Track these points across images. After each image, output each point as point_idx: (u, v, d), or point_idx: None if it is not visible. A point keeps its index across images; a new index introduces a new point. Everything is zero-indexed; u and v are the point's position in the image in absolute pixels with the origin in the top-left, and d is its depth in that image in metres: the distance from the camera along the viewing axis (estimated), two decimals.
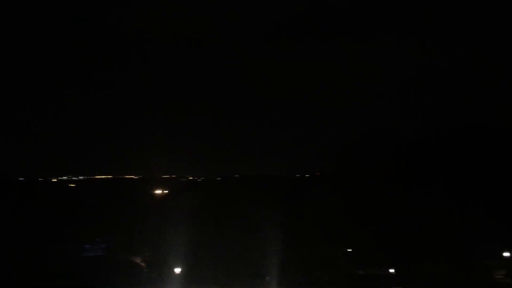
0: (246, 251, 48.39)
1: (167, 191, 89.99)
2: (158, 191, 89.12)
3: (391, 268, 45.87)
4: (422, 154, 60.16)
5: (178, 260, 43.95)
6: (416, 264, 47.31)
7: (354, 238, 54.31)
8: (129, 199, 78.82)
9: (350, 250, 53.84)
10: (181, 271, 42.26)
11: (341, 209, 57.79)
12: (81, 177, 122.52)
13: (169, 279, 42.10)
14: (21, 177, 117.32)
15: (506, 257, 47.65)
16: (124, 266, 47.21)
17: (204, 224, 59.06)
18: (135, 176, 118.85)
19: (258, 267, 43.97)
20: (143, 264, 48.43)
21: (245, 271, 43.26)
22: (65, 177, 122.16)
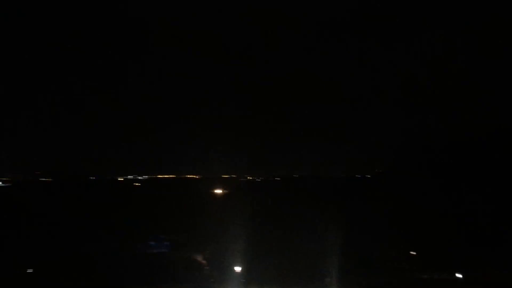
0: (306, 252, 48.08)
1: (227, 191, 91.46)
2: (219, 191, 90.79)
3: (458, 272, 43.64)
4: (491, 153, 57.22)
5: (238, 259, 44.33)
6: (485, 269, 44.85)
7: (418, 240, 52.51)
8: (191, 198, 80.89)
9: (414, 253, 52.00)
10: (241, 270, 42.60)
11: (404, 210, 56.13)
12: (145, 177, 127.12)
13: (229, 277, 42.47)
14: (92, 176, 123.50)
15: None
16: (186, 263, 48.22)
17: (264, 223, 59.39)
18: (196, 176, 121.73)
19: (318, 268, 43.52)
20: (204, 261, 49.26)
21: (305, 272, 42.95)
22: (131, 177, 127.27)
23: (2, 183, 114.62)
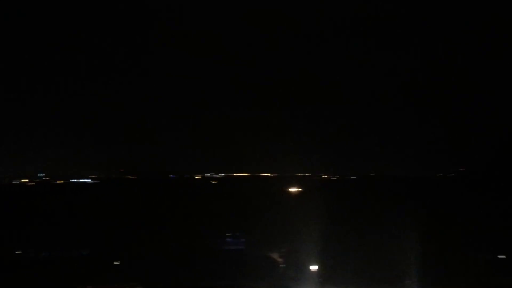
0: (385, 253, 46.63)
1: (301, 189, 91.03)
2: (293, 189, 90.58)
3: None
4: None
5: (314, 258, 44.01)
6: None
7: (507, 244, 49.17)
8: (266, 196, 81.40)
9: (504, 256, 48.71)
10: (318, 270, 42.27)
11: (491, 210, 52.82)
12: (221, 174, 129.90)
13: (305, 276, 42.27)
14: (172, 174, 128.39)
15: None
16: (262, 261, 48.62)
17: (340, 223, 58.45)
18: (271, 174, 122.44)
19: (397, 270, 42.02)
20: (280, 259, 49.42)
21: (383, 274, 41.61)
22: (208, 174, 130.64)
23: (91, 180, 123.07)
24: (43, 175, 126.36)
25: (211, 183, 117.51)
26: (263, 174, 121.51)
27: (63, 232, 58.55)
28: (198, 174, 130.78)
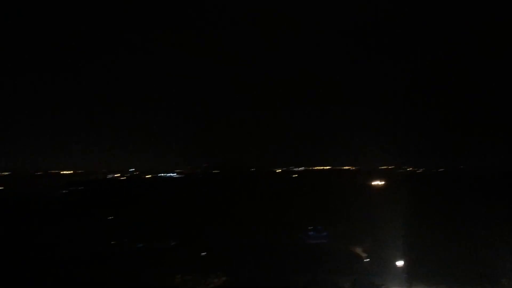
0: (474, 250, 43.95)
1: (384, 182, 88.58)
2: (376, 182, 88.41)
3: None
4: None
5: (400, 253, 42.62)
6: None
7: None
8: (348, 189, 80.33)
9: None
10: (403, 265, 40.86)
11: None
12: (301, 168, 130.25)
13: (390, 271, 41.09)
14: (252, 168, 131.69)
15: None
16: (344, 255, 48.01)
17: (427, 217, 56.20)
18: (352, 167, 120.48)
19: (488, 268, 39.37)
20: (363, 254, 48.51)
21: (473, 272, 39.12)
22: (284, 168, 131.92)
23: (177, 174, 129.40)
24: (133, 169, 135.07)
25: (292, 176, 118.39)
26: (345, 167, 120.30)
27: (153, 224, 61.82)
28: (278, 168, 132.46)
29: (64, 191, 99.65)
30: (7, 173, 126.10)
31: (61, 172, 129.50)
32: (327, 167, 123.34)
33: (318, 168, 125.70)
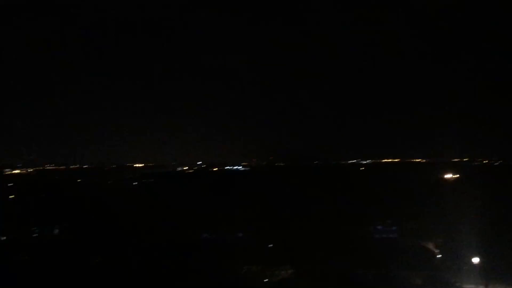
0: None
1: (458, 176, 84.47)
2: (448, 176, 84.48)
3: None
4: None
5: (475, 250, 40.57)
6: None
7: None
8: (418, 182, 77.47)
9: None
10: (479, 262, 38.88)
11: None
12: (369, 161, 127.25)
13: (465, 268, 39.36)
14: (316, 161, 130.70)
15: None
16: (415, 251, 46.56)
17: (504, 213, 53.20)
18: (423, 159, 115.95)
19: None
20: (436, 250, 46.78)
21: None
22: (351, 161, 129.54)
23: (242, 167, 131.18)
24: (201, 162, 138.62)
25: (359, 169, 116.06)
26: (415, 160, 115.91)
27: (219, 215, 63.10)
28: (344, 160, 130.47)
29: (135, 183, 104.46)
30: (85, 166, 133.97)
31: (134, 165, 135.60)
32: (396, 160, 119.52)
33: (386, 160, 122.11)
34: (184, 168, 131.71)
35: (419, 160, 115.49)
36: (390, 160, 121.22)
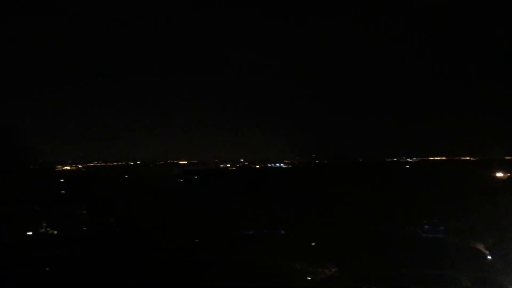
0: None
1: (509, 174, 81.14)
2: (500, 174, 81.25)
3: None
4: None
5: None
6: None
7: None
8: (466, 181, 75.01)
9: None
10: None
11: None
12: (415, 159, 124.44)
13: None
14: (360, 159, 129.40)
15: None
16: (464, 251, 45.08)
17: None
18: (471, 157, 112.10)
19: None
20: (486, 251, 45.10)
21: None
22: (395, 159, 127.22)
23: (284, 165, 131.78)
24: (243, 160, 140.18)
25: (404, 167, 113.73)
26: (463, 158, 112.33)
27: (262, 212, 63.41)
28: (388, 158, 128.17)
29: (181, 180, 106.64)
30: (132, 163, 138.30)
31: (179, 162, 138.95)
32: (443, 157, 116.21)
33: (432, 158, 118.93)
34: (227, 165, 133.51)
35: (468, 158, 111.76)
36: (436, 158, 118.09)
